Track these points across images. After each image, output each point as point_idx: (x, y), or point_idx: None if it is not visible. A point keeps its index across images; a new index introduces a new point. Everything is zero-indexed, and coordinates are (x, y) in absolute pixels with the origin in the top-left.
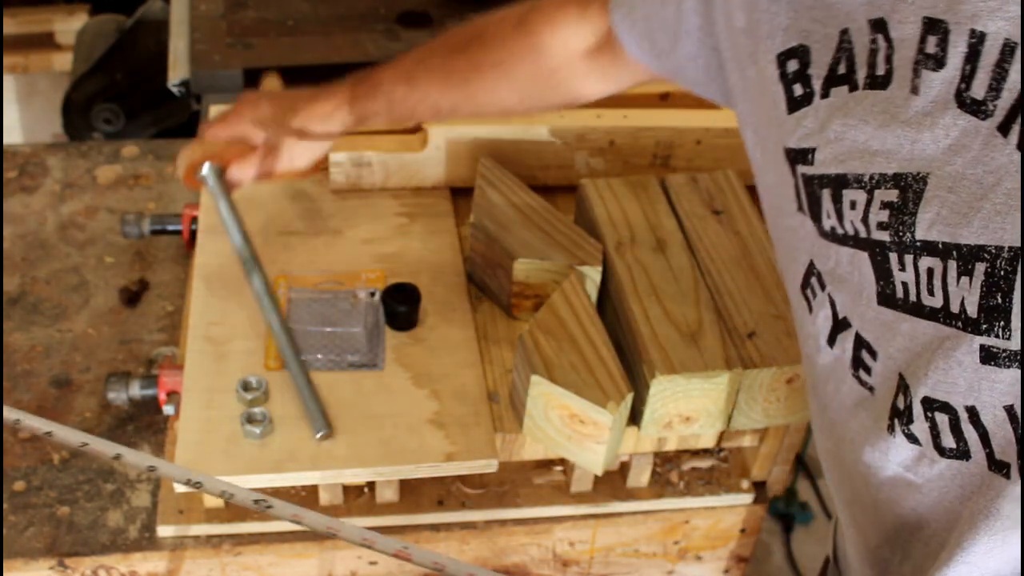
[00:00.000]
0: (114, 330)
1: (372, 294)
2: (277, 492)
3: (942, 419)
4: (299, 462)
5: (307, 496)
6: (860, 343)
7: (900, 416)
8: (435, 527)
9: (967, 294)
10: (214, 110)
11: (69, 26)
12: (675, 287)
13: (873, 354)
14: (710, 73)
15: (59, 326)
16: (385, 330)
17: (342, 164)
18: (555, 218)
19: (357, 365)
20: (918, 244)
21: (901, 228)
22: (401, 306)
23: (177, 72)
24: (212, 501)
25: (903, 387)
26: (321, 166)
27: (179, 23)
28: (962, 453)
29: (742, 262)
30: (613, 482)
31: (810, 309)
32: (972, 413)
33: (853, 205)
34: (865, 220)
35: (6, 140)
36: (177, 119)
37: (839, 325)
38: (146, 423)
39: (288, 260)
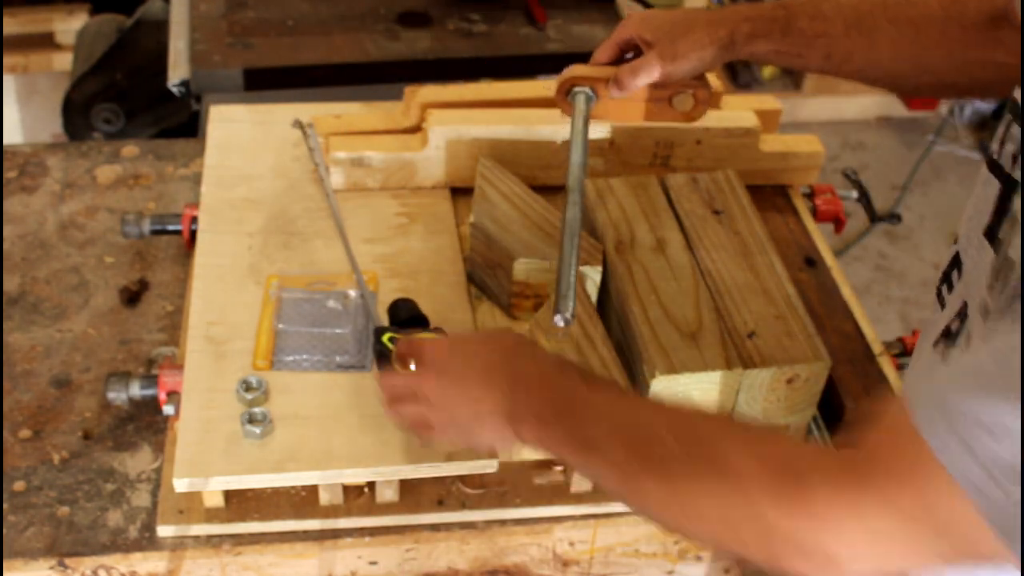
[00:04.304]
0: (114, 330)
1: (363, 295)
2: (277, 492)
3: None
4: (299, 462)
5: (307, 496)
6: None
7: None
8: (435, 527)
9: None
10: (215, 110)
11: (69, 26)
12: (675, 287)
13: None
14: None
15: (59, 326)
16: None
17: (342, 164)
18: (555, 218)
19: (345, 366)
20: None
21: None
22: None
23: (177, 72)
24: (212, 501)
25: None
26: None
27: (179, 23)
28: None
29: (742, 262)
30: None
31: None
32: None
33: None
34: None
35: (6, 140)
36: (177, 119)
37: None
38: (146, 423)
39: (288, 260)
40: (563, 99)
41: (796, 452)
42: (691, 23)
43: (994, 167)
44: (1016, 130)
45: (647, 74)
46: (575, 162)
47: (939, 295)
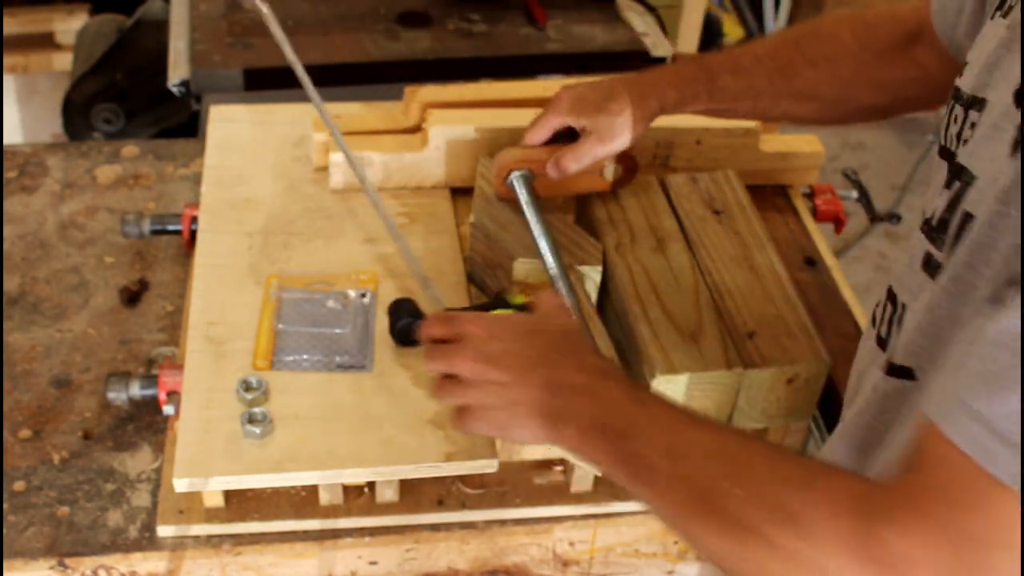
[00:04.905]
0: (114, 330)
1: (363, 295)
2: (277, 492)
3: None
4: (299, 462)
5: (307, 496)
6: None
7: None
8: (435, 527)
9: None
10: (215, 110)
11: (69, 26)
12: (675, 287)
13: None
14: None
15: (59, 326)
16: (376, 331)
17: (342, 164)
18: (555, 218)
19: (345, 366)
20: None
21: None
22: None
23: (177, 72)
24: (212, 501)
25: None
26: (627, 165)
27: (179, 23)
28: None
29: (742, 262)
30: (613, 482)
31: None
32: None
33: (955, 119)
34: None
35: (6, 140)
36: (177, 119)
37: None
38: (146, 423)
39: (288, 260)
40: (502, 184)
41: (858, 492)
42: (621, 102)
43: (943, 152)
44: (958, 111)
45: (588, 158)
46: (545, 248)
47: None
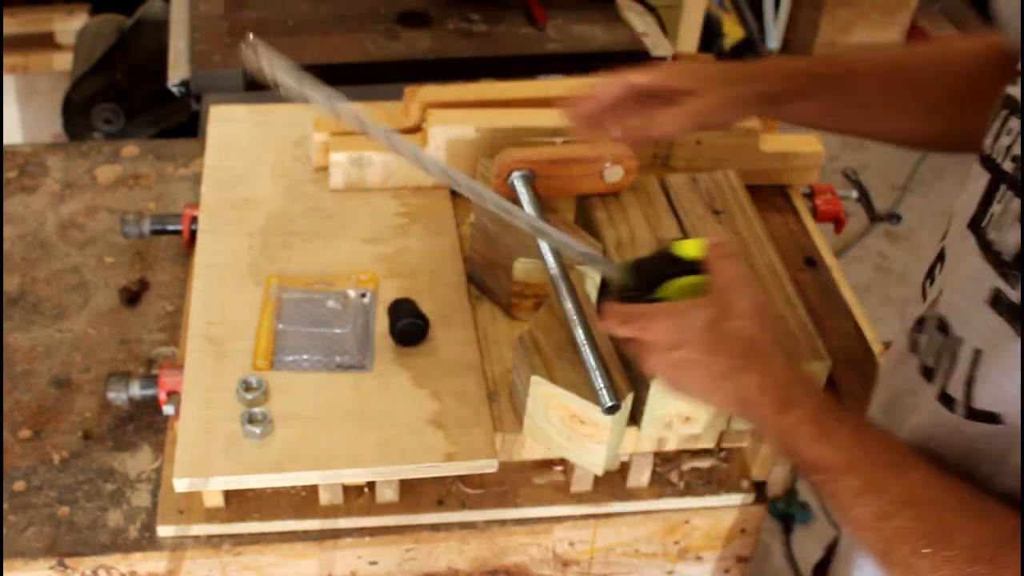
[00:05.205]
0: (114, 330)
1: (363, 295)
2: (277, 492)
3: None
4: (299, 462)
5: (307, 496)
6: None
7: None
8: (435, 527)
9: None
10: (215, 110)
11: (69, 26)
12: None
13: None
14: None
15: (59, 326)
16: (376, 331)
17: (342, 164)
18: (555, 218)
19: (345, 366)
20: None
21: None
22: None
23: (177, 72)
24: (212, 501)
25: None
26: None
27: (179, 23)
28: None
29: (742, 262)
30: (613, 482)
31: None
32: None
33: (1008, 132)
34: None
35: (6, 140)
36: (177, 119)
37: None
38: (146, 423)
39: (288, 260)
40: (502, 184)
41: None
42: (714, 79)
43: (985, 160)
44: (1013, 124)
45: (687, 120)
46: (546, 249)
47: (923, 289)
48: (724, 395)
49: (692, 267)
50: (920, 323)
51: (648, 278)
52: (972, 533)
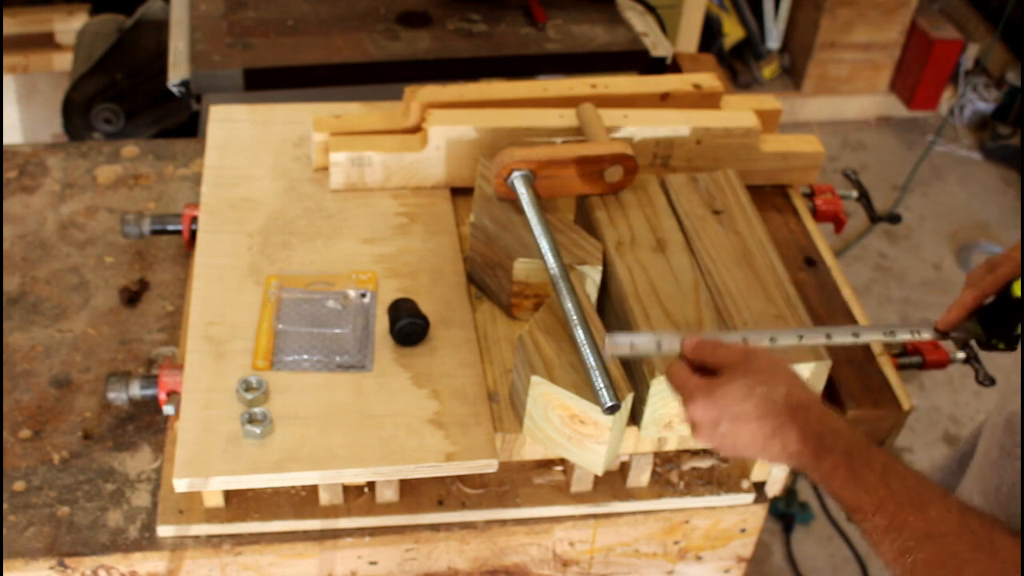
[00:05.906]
0: (114, 330)
1: (363, 295)
2: (277, 492)
3: None
4: (299, 462)
5: (307, 496)
6: None
7: None
8: (435, 527)
9: None
10: (215, 110)
11: (69, 26)
12: (675, 287)
13: None
14: None
15: (59, 326)
16: (376, 331)
17: (342, 164)
18: (555, 218)
19: (345, 366)
20: None
21: None
22: (409, 329)
23: (177, 72)
24: (212, 501)
25: None
26: None
27: (179, 23)
28: None
29: (742, 262)
30: (613, 482)
31: None
32: None
33: None
34: None
35: (6, 140)
36: (177, 119)
37: None
38: (146, 423)
39: (288, 260)
40: (502, 184)
41: None
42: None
43: None
44: None
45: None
46: (546, 248)
47: None
48: (775, 451)
49: None
50: None
51: (1003, 327)
52: (981, 565)
